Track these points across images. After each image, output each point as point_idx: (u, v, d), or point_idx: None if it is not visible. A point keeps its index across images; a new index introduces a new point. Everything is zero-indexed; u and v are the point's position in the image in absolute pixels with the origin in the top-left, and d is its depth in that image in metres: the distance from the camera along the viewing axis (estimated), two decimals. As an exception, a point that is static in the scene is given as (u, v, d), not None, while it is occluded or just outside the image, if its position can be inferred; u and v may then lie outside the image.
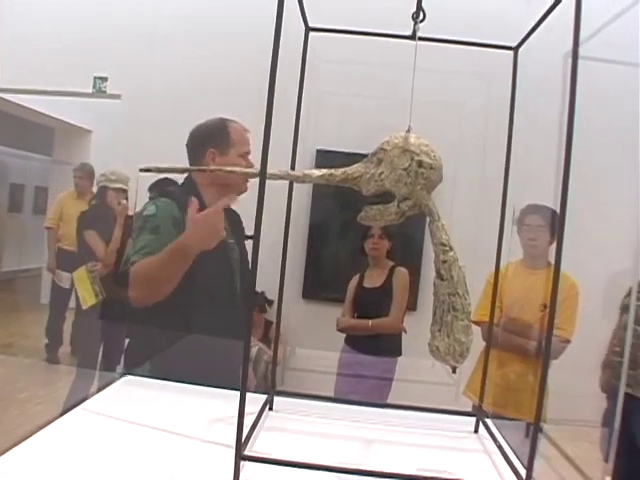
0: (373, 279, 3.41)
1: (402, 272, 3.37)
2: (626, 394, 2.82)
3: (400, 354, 3.37)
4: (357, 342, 3.32)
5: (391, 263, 3.39)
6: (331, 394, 1.56)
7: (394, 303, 3.30)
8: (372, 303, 3.35)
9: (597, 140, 3.36)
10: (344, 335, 3.39)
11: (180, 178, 2.14)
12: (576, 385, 3.22)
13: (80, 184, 4.94)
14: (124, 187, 3.89)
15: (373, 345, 3.24)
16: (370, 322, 3.23)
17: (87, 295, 3.74)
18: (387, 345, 3.32)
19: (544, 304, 2.91)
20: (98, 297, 3.72)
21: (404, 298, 3.31)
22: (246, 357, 1.00)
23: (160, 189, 2.14)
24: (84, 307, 3.74)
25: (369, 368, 3.30)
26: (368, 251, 3.37)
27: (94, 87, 4.75)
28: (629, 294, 2.99)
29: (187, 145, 2.13)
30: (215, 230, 1.77)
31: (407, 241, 3.58)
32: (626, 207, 3.10)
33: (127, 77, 4.49)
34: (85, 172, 4.97)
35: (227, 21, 4.26)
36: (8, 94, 5.10)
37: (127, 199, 3.90)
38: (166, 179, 3.39)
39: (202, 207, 1.84)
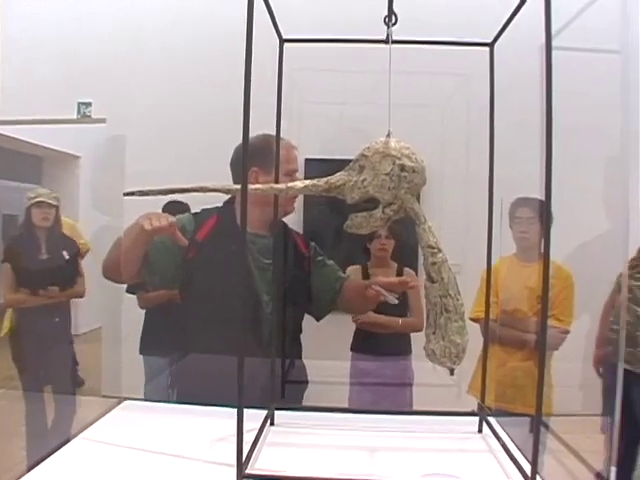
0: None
1: (412, 274, 3.34)
2: (625, 370, 2.83)
3: (411, 351, 3.33)
4: (367, 345, 3.26)
5: (395, 263, 3.35)
6: (332, 404, 1.55)
7: (415, 304, 3.22)
8: (387, 302, 3.24)
9: (582, 129, 3.36)
10: (347, 344, 3.34)
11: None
12: (580, 375, 3.22)
13: None
14: (47, 201, 3.73)
15: (387, 345, 3.16)
16: (400, 320, 3.15)
17: (6, 324, 3.69)
18: (399, 344, 3.26)
19: (540, 296, 2.91)
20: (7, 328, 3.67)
21: (421, 299, 3.22)
22: (240, 373, 0.98)
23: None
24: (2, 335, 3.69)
25: (388, 371, 3.26)
26: (375, 252, 3.29)
27: (78, 112, 4.74)
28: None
29: (231, 164, 2.09)
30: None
31: (402, 243, 3.55)
32: (611, 196, 3.11)
33: (111, 100, 4.49)
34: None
35: (211, 39, 4.25)
36: (-7, 126, 5.08)
37: (57, 214, 3.81)
38: (175, 201, 3.42)
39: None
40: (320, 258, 2.21)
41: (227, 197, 2.08)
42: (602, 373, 3.19)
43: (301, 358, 2.20)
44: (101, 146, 4.77)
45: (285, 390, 1.83)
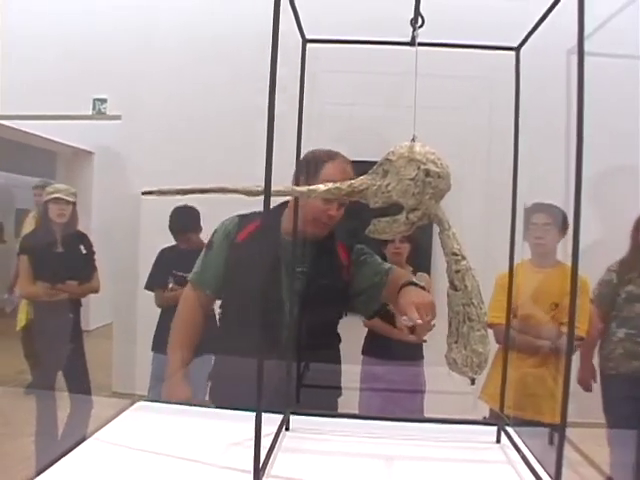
0: None
1: (427, 278, 3.32)
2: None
3: (423, 357, 3.32)
4: (379, 349, 3.25)
5: (410, 267, 3.33)
6: (348, 410, 1.54)
7: None
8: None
9: (603, 136, 3.33)
10: (360, 347, 3.33)
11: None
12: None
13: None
14: (64, 197, 3.67)
15: (397, 350, 3.14)
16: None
17: (21, 318, 3.70)
18: (411, 348, 3.23)
19: (555, 303, 2.88)
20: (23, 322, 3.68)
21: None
22: (260, 378, 0.97)
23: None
24: (17, 329, 3.71)
25: (400, 376, 3.24)
26: (389, 256, 3.27)
27: (94, 109, 4.76)
28: (630, 282, 2.99)
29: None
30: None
31: (416, 248, 3.51)
32: (631, 202, 3.08)
33: (127, 97, 4.50)
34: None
35: (226, 37, 4.25)
36: (8, 120, 5.09)
37: (74, 211, 3.76)
38: (186, 206, 3.39)
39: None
40: (363, 258, 2.15)
41: (280, 200, 2.07)
42: (603, 385, 3.16)
43: (340, 364, 2.19)
44: (116, 143, 4.78)
45: (319, 396, 1.84)
